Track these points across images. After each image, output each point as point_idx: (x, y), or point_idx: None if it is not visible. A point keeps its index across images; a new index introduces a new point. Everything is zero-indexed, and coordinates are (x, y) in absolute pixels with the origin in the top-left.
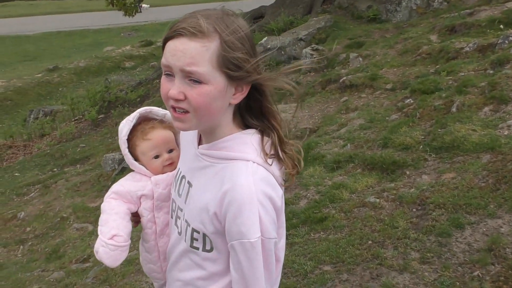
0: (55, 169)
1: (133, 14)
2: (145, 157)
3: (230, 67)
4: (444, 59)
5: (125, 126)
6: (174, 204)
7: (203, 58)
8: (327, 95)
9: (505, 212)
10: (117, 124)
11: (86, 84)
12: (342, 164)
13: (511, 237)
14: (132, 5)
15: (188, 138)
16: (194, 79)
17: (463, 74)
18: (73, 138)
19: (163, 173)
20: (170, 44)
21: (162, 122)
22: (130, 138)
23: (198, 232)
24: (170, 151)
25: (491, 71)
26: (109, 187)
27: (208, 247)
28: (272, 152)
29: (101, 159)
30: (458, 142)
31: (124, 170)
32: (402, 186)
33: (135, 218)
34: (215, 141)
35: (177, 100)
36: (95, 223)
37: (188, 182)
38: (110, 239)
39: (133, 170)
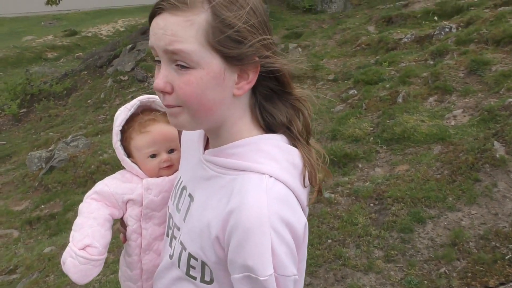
0: None
1: (57, 2)
2: (140, 154)
3: (224, 43)
4: (383, 49)
5: (121, 114)
6: (171, 220)
7: (187, 34)
8: None
9: (464, 205)
10: (42, 119)
11: (3, 76)
12: None
13: (472, 231)
14: None
15: (193, 138)
16: (181, 64)
17: (404, 64)
18: None
19: (158, 177)
20: (153, 23)
21: (165, 115)
22: (125, 130)
23: (196, 260)
24: (171, 151)
25: (432, 62)
26: (35, 188)
27: (207, 278)
28: (301, 164)
29: (25, 158)
30: (408, 133)
31: (53, 169)
32: (356, 180)
33: (125, 230)
34: (223, 146)
35: (164, 94)
36: (21, 228)
37: (190, 195)
38: (82, 249)
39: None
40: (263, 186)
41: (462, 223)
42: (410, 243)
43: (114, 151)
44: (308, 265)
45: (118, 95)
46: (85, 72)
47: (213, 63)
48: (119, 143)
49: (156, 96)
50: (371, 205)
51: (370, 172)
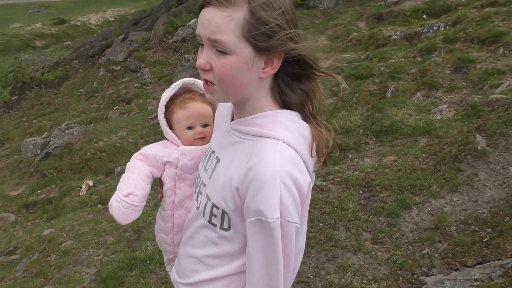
0: None
1: None
2: (179, 126)
3: (257, 37)
4: (373, 45)
5: (166, 92)
6: (199, 179)
7: (228, 27)
8: None
9: (447, 192)
10: (34, 106)
11: None
12: None
13: (454, 216)
14: None
15: (223, 113)
16: (220, 50)
17: (393, 60)
18: None
19: (192, 146)
20: (201, 13)
21: (203, 96)
22: (168, 105)
23: (218, 208)
24: (205, 125)
25: (420, 59)
26: (31, 174)
27: (225, 225)
28: (310, 137)
29: (18, 144)
30: (396, 126)
31: (49, 156)
32: (346, 169)
33: (162, 190)
34: (247, 117)
35: (204, 71)
36: (17, 212)
37: (217, 158)
38: (126, 196)
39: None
40: (277, 149)
41: (445, 209)
42: (396, 227)
43: (109, 139)
44: None
45: (111, 84)
46: (77, 61)
47: (245, 51)
48: (163, 115)
49: (196, 80)
50: (360, 192)
51: (360, 162)
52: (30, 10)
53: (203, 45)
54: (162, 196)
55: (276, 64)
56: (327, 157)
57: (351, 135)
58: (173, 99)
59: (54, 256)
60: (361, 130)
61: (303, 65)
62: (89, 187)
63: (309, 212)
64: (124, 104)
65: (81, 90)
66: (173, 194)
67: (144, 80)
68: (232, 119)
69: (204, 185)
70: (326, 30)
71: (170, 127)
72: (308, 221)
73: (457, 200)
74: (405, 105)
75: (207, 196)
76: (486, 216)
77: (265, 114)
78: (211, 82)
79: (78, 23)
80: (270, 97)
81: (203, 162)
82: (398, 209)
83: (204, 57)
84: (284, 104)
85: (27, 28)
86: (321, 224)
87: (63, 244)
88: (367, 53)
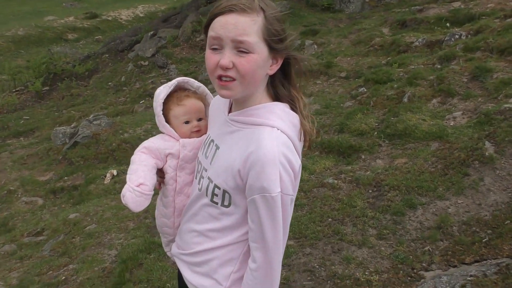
0: None
1: None
2: (177, 121)
3: (273, 38)
4: (395, 51)
5: (163, 91)
6: (199, 165)
7: (252, 30)
8: None
9: (452, 195)
10: (64, 97)
11: (25, 54)
12: None
13: (457, 217)
14: None
15: (219, 107)
16: (242, 49)
17: (413, 67)
18: (15, 110)
19: (190, 138)
20: (221, 19)
21: (195, 93)
22: (165, 102)
23: (219, 188)
24: (199, 119)
25: (439, 66)
26: (59, 161)
27: (226, 203)
28: (298, 124)
29: (48, 133)
30: (409, 130)
31: (77, 145)
32: (358, 169)
33: (161, 179)
34: (245, 108)
35: (226, 69)
36: (45, 197)
37: (216, 145)
38: (137, 186)
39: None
40: (273, 135)
41: (449, 210)
42: (401, 225)
43: (134, 131)
44: (309, 239)
45: (138, 79)
46: (107, 55)
47: (264, 50)
48: (161, 112)
49: (189, 78)
50: (370, 191)
51: (372, 163)
52: (64, 4)
53: (215, 49)
54: (159, 184)
55: (280, 61)
56: (311, 142)
57: (365, 137)
58: (168, 96)
59: (78, 238)
60: (375, 133)
61: (287, 76)
62: (113, 176)
63: (320, 207)
64: (150, 98)
65: (109, 83)
66: (174, 182)
67: (171, 76)
68: (229, 112)
69: (206, 170)
70: (350, 34)
71: (167, 122)
72: (317, 216)
73: (462, 203)
74: (420, 110)
75: (209, 178)
76: (488, 218)
77: (261, 106)
78: (230, 78)
79: (110, 18)
80: (266, 91)
81: (203, 150)
82: (404, 208)
83: (227, 57)
84: (276, 97)
85: (60, 21)
86: (330, 219)
87: (87, 227)
88: (388, 58)
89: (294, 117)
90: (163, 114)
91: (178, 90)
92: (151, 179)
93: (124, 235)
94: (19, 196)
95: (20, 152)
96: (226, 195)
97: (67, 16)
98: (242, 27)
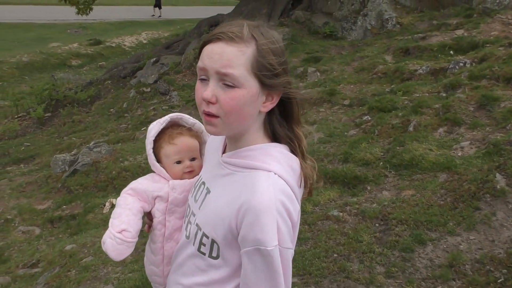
0: None
1: (87, 12)
2: (168, 161)
3: (264, 72)
4: (399, 79)
5: (154, 127)
6: (188, 209)
7: (239, 62)
8: None
9: (464, 230)
10: (66, 124)
11: (29, 80)
12: None
13: (470, 254)
14: (86, 3)
15: (214, 146)
16: (228, 83)
17: (417, 95)
18: (16, 136)
19: (181, 179)
20: (208, 48)
21: (190, 130)
22: (156, 140)
23: (208, 238)
24: (193, 159)
25: (444, 94)
26: (58, 189)
27: (214, 254)
28: (298, 169)
29: (48, 160)
30: (416, 161)
31: (76, 172)
32: (364, 200)
33: (150, 222)
34: (239, 149)
35: (208, 103)
36: (43, 226)
37: (207, 189)
38: (119, 232)
39: (152, 172)
40: (270, 181)
41: (460, 247)
42: (410, 262)
43: (134, 159)
44: (314, 276)
45: (140, 105)
46: (109, 82)
47: (253, 85)
48: (151, 150)
49: (184, 114)
50: (376, 225)
51: (378, 195)
52: (68, 30)
53: (203, 79)
54: (149, 228)
55: (275, 99)
56: (312, 188)
57: (370, 167)
58: (160, 133)
59: (74, 271)
60: (381, 163)
61: (288, 112)
62: (112, 205)
63: (325, 242)
64: None
65: (111, 109)
66: (163, 227)
67: (173, 103)
68: (224, 152)
69: (194, 215)
70: (353, 62)
71: (158, 160)
72: (322, 251)
73: (473, 239)
74: (426, 140)
75: (197, 225)
76: (502, 256)
77: (257, 147)
78: (214, 115)
79: (113, 44)
80: (262, 131)
81: (193, 192)
82: (413, 244)
83: (211, 90)
84: (274, 138)
85: (65, 47)
86: (335, 255)
87: (84, 260)
88: (392, 86)
89: (294, 161)
90: (154, 152)
91: (172, 126)
92: (135, 225)
93: (121, 268)
94: (16, 225)
95: (19, 180)
96: (215, 245)
97: (72, 43)
98: (227, 57)
